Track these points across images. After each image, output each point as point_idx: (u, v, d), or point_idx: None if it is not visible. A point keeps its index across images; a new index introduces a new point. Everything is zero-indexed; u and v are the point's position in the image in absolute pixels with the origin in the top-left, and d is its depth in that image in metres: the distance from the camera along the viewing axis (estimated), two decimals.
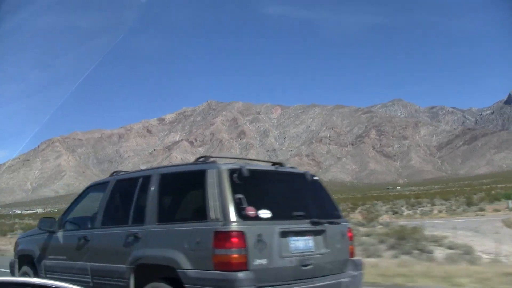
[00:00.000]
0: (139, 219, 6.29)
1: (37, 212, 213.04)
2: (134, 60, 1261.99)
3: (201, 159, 6.24)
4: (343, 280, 6.07)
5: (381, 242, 16.31)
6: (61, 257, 7.48)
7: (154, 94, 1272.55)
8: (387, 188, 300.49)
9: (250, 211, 5.29)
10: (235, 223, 5.17)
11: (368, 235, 19.52)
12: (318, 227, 5.98)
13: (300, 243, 5.76)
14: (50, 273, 7.61)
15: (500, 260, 14.12)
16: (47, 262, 7.76)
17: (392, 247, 15.48)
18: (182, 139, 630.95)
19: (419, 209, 53.19)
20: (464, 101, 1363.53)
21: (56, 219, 7.97)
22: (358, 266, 6.45)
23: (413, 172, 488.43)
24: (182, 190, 6.52)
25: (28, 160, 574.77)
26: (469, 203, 53.35)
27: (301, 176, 6.62)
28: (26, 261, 8.42)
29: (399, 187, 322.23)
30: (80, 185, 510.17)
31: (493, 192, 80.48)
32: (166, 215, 6.16)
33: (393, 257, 14.09)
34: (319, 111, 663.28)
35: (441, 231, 19.34)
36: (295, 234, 5.70)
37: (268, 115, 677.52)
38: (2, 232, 46.13)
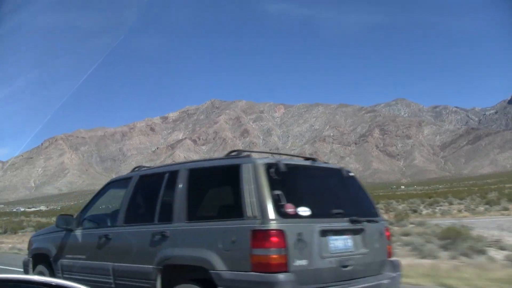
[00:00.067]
0: (167, 217, 5.93)
1: (40, 209, 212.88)
2: (138, 59, 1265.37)
3: (233, 153, 5.88)
4: (383, 281, 5.76)
5: (427, 242, 15.71)
6: (79, 256, 7.10)
7: (157, 92, 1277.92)
8: (391, 188, 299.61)
9: (290, 209, 4.98)
10: (274, 221, 4.83)
11: (406, 234, 18.93)
12: (357, 226, 5.66)
13: (339, 243, 5.46)
14: (68, 273, 7.25)
15: None
16: (64, 261, 7.39)
17: (443, 248, 14.86)
18: (185, 138, 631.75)
19: (437, 208, 52.44)
20: (467, 100, 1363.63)
21: (74, 217, 7.55)
22: (396, 267, 6.12)
23: (416, 172, 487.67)
24: (214, 186, 6.17)
25: (31, 158, 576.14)
26: (489, 202, 52.62)
27: (337, 172, 6.32)
28: (41, 260, 8.06)
29: (403, 187, 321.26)
30: (83, 183, 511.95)
31: (506, 191, 79.59)
32: (196, 213, 5.83)
33: (450, 258, 13.48)
34: (323, 110, 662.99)
35: (483, 231, 18.73)
36: (334, 233, 5.40)
37: (272, 114, 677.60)
38: (12, 229, 45.46)
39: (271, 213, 4.85)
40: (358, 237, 5.69)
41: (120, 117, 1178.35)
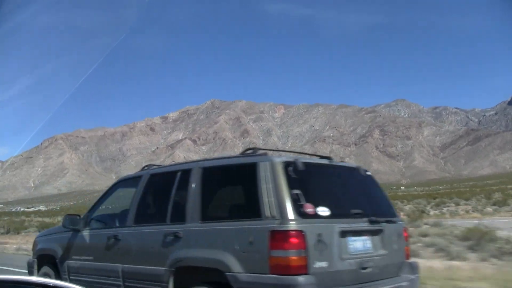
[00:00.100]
0: (179, 217, 5.74)
1: (40, 209, 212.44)
2: (137, 59, 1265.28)
3: (249, 151, 5.69)
4: (402, 284, 5.60)
5: (450, 243, 15.22)
6: (87, 257, 6.93)
7: (157, 92, 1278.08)
8: (391, 188, 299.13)
9: (309, 208, 4.80)
10: (294, 222, 4.66)
11: (423, 235, 18.44)
12: (376, 227, 5.51)
13: (359, 244, 5.29)
14: (75, 274, 7.10)
15: None
16: (71, 262, 7.19)
17: (470, 249, 14.34)
18: (185, 138, 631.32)
19: (445, 208, 52.00)
20: (467, 101, 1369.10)
21: (81, 217, 7.34)
22: (414, 269, 5.93)
23: (416, 173, 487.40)
24: (229, 185, 6.00)
25: (31, 157, 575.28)
26: (496, 203, 52.20)
27: (354, 171, 6.14)
28: (46, 261, 7.87)
29: (403, 187, 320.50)
30: (83, 183, 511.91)
31: (510, 192, 79.18)
32: (210, 213, 5.67)
33: (480, 260, 12.96)
34: (323, 111, 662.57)
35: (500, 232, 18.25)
36: (353, 234, 5.23)
37: (272, 114, 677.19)
38: (15, 229, 44.84)
39: (290, 213, 4.69)
40: (376, 238, 5.55)
41: (120, 117, 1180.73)
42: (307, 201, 4.81)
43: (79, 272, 7.00)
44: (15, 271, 13.10)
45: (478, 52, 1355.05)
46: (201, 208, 5.53)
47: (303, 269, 4.57)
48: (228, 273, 4.87)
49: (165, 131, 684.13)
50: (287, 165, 5.05)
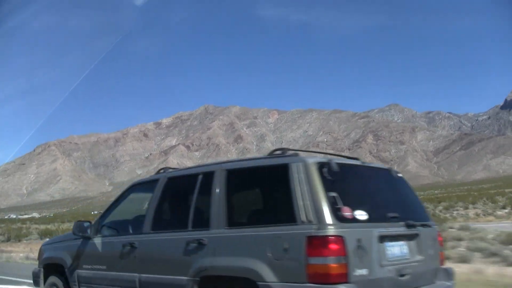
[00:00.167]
0: (203, 222, 5.42)
1: (34, 216, 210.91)
2: (131, 64, 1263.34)
3: (277, 152, 5.34)
4: None
5: (492, 246, 14.54)
6: (99, 266, 6.60)
7: (150, 98, 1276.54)
8: None
9: (347, 212, 4.53)
10: (332, 226, 4.37)
11: (458, 239, 17.77)
12: (413, 231, 5.24)
13: (396, 249, 5.01)
14: (86, 284, 6.78)
15: None
16: (81, 272, 6.85)
17: None
18: (178, 143, 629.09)
19: (454, 212, 51.42)
20: (460, 106, 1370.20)
21: (92, 223, 6.98)
22: (450, 275, 5.65)
23: (409, 177, 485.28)
24: (257, 188, 5.67)
25: (23, 164, 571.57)
26: (505, 206, 51.75)
27: (386, 172, 5.82)
28: (53, 270, 7.53)
29: None
30: (76, 190, 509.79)
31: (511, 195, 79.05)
32: (237, 218, 5.38)
33: None
34: (316, 116, 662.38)
35: None
36: (391, 239, 4.94)
37: (265, 120, 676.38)
38: (16, 237, 43.80)
39: (328, 217, 4.40)
40: (413, 243, 5.29)
41: (113, 123, 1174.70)
42: (344, 204, 4.54)
43: (91, 282, 6.69)
44: (25, 281, 12.27)
45: (471, 57, 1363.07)
46: (227, 213, 5.19)
47: (344, 278, 4.30)
48: (260, 283, 4.55)
49: (159, 137, 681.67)
50: (321, 166, 4.76)
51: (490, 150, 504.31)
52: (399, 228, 5.06)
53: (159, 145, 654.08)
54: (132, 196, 7.10)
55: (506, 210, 48.21)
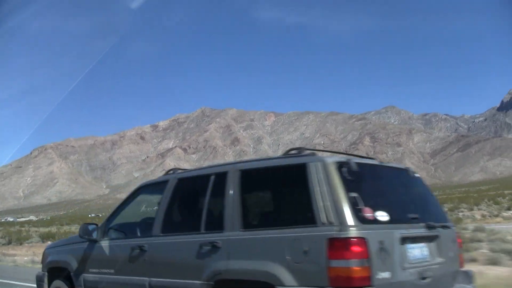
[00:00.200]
0: (216, 224, 5.24)
1: (31, 219, 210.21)
2: (128, 67, 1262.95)
3: (293, 151, 5.19)
4: None
5: None
6: (107, 270, 6.40)
7: (147, 100, 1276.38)
8: None
9: (368, 213, 4.41)
10: (355, 228, 4.24)
11: (477, 240, 17.41)
12: (433, 232, 5.09)
13: (417, 252, 4.87)
14: None
15: None
16: (88, 276, 6.64)
17: None
18: (175, 146, 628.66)
19: (460, 213, 51.05)
20: (456, 108, 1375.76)
21: (99, 226, 6.80)
22: (470, 278, 5.46)
23: None
24: (274, 189, 5.44)
25: (20, 167, 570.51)
26: (511, 207, 51.58)
27: (404, 172, 5.66)
28: (58, 274, 7.30)
29: None
30: (73, 192, 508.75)
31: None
32: (253, 220, 5.26)
33: None
34: (313, 118, 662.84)
35: None
36: (411, 241, 4.80)
37: (262, 122, 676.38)
38: (17, 240, 43.25)
39: (349, 218, 4.27)
40: (433, 244, 5.13)
41: (110, 125, 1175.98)
42: (364, 205, 4.42)
43: (97, 286, 6.54)
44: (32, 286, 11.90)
45: (467, 59, 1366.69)
46: (242, 215, 5.04)
47: (367, 281, 4.17)
48: (279, 287, 4.42)
49: (156, 140, 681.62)
50: (340, 165, 4.62)
51: (487, 152, 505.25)
52: (419, 230, 4.92)
53: (156, 147, 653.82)
54: (140, 198, 6.96)
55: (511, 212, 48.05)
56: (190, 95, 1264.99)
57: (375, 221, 4.42)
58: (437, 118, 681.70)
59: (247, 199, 5.25)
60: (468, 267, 5.95)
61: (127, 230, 6.87)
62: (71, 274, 6.93)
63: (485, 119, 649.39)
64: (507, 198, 75.77)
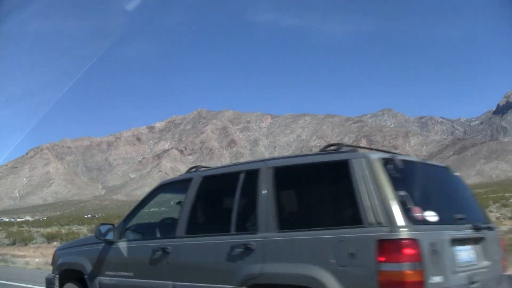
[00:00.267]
0: (248, 225, 5.00)
1: (28, 219, 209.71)
2: (124, 68, 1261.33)
3: (331, 147, 4.87)
4: None
5: None
6: (125, 273, 6.00)
7: (144, 102, 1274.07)
8: None
9: (418, 213, 4.12)
10: (406, 229, 3.93)
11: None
12: (479, 234, 4.77)
13: (464, 254, 4.55)
14: None
15: None
16: (104, 279, 6.27)
17: None
18: (172, 148, 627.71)
19: None
20: (453, 111, 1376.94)
21: (115, 226, 6.44)
22: None
23: None
24: (312, 187, 5.00)
25: (16, 167, 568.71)
26: None
27: (444, 170, 5.35)
28: (70, 277, 6.98)
29: None
30: (69, 193, 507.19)
31: None
32: (290, 220, 4.85)
33: None
34: (310, 120, 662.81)
35: None
36: (459, 243, 4.49)
37: (259, 124, 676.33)
38: (22, 240, 42.96)
39: (399, 218, 3.97)
40: (478, 247, 4.81)
41: (106, 126, 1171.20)
42: (413, 204, 4.14)
43: None
44: None
45: (463, 62, 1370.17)
46: (278, 215, 4.69)
47: (420, 286, 3.86)
48: None
49: (152, 141, 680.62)
50: (386, 162, 4.33)
51: (483, 155, 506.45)
52: (466, 231, 4.63)
53: (152, 149, 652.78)
54: (159, 197, 6.57)
55: None
56: (186, 96, 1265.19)
57: (425, 221, 4.15)
58: (433, 121, 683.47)
59: (282, 198, 4.93)
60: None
61: (145, 231, 6.62)
62: (85, 277, 6.58)
63: (481, 123, 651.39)
64: (510, 200, 75.82)
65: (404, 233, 3.89)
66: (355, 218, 4.12)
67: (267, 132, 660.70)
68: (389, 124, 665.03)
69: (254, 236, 4.74)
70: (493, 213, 53.08)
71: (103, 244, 6.44)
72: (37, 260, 24.56)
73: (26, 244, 40.28)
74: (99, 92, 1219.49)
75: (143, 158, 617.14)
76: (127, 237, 6.32)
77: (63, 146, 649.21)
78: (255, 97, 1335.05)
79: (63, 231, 56.27)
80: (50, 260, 7.48)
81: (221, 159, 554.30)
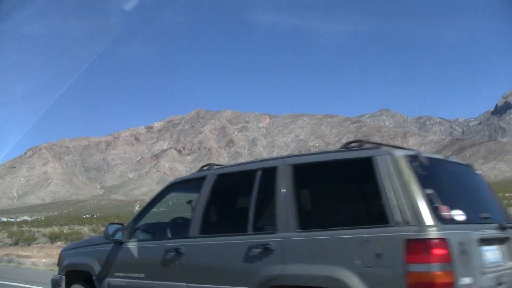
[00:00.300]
0: (266, 225, 4.82)
1: (26, 219, 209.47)
2: (123, 68, 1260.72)
3: (353, 144, 4.69)
4: None
5: None
6: (136, 274, 5.81)
7: (142, 102, 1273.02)
8: None
9: (445, 212, 3.95)
10: (435, 228, 3.77)
11: None
12: (504, 234, 4.58)
13: (490, 255, 4.38)
14: None
15: None
16: (113, 280, 6.09)
17: None
18: (170, 147, 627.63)
19: None
20: (451, 111, 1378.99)
21: (125, 226, 6.26)
22: None
23: None
24: (334, 185, 4.87)
25: (14, 167, 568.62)
26: None
27: (467, 169, 5.19)
28: (77, 278, 6.81)
29: None
30: (67, 193, 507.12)
31: None
32: (312, 219, 4.65)
33: None
34: (308, 121, 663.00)
35: None
36: (486, 243, 4.32)
37: (257, 124, 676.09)
38: (25, 240, 42.41)
39: (428, 217, 3.80)
40: (504, 247, 4.63)
41: (104, 126, 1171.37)
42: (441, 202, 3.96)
43: None
44: None
45: (462, 63, 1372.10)
46: (298, 214, 4.52)
47: (450, 287, 3.68)
48: None
49: (150, 141, 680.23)
50: (411, 159, 4.18)
51: (482, 155, 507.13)
52: (492, 231, 4.45)
53: (151, 149, 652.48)
54: (172, 196, 6.41)
55: None
56: (185, 96, 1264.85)
57: (453, 220, 3.99)
58: (432, 122, 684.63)
59: (302, 196, 4.74)
60: None
61: (155, 231, 6.47)
62: (93, 278, 6.39)
63: (480, 123, 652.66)
64: None
65: (433, 233, 3.74)
66: (380, 217, 3.99)
67: (265, 132, 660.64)
68: (387, 124, 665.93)
69: (273, 236, 4.58)
70: None
71: (111, 245, 6.27)
72: (44, 260, 24.09)
73: (29, 244, 39.70)
74: (97, 92, 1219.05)
75: (141, 158, 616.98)
76: (137, 237, 6.16)
77: (61, 146, 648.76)
78: (254, 97, 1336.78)
79: (64, 230, 55.98)
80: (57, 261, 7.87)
81: (219, 159, 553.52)
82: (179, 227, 6.01)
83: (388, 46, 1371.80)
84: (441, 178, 4.55)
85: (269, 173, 4.95)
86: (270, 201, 4.83)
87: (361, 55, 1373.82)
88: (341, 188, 4.83)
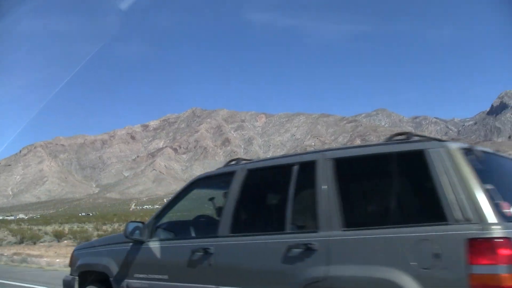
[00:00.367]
0: (307, 223, 4.53)
1: (22, 217, 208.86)
2: (119, 66, 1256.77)
3: (399, 136, 4.34)
4: None
5: None
6: (159, 276, 5.45)
7: (138, 100, 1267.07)
8: None
9: (507, 209, 3.55)
10: (499, 226, 3.35)
11: None
12: None
13: None
14: None
15: None
16: (133, 282, 5.71)
17: None
18: (166, 146, 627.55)
19: None
20: (447, 111, 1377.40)
21: (146, 224, 5.85)
22: None
23: None
24: (382, 180, 4.44)
25: (9, 165, 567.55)
26: None
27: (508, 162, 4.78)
28: (92, 279, 6.48)
29: None
30: (62, 191, 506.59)
31: None
32: (358, 217, 4.35)
33: None
34: (304, 120, 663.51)
35: None
36: None
37: (253, 123, 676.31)
38: (30, 239, 41.76)
39: (490, 214, 3.41)
40: None
41: (100, 124, 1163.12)
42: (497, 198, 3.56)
43: None
44: None
45: (457, 63, 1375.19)
46: (343, 211, 4.18)
47: None
48: None
49: (146, 139, 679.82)
50: (467, 152, 3.82)
51: None
52: None
53: (146, 147, 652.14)
54: (194, 193, 5.95)
55: None
56: (181, 95, 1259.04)
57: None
58: (427, 121, 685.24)
59: (346, 192, 4.37)
60: None
61: (178, 229, 6.16)
62: (111, 279, 6.04)
63: (475, 123, 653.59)
64: None
65: (498, 231, 3.34)
66: (437, 214, 3.60)
67: (261, 131, 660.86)
68: (383, 124, 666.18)
69: (315, 235, 4.25)
70: None
71: (130, 244, 5.92)
72: (57, 260, 23.62)
73: (34, 243, 39.07)
74: (93, 90, 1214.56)
75: (137, 157, 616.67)
76: (158, 236, 5.79)
77: (57, 144, 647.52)
78: (250, 96, 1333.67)
79: (66, 229, 55.51)
80: (69, 261, 7.53)
81: (215, 157, 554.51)
82: (204, 225, 5.77)
83: (383, 45, 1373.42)
84: (498, 173, 4.27)
85: (307, 168, 4.62)
86: (310, 197, 4.48)
87: (357, 55, 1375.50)
88: (390, 183, 4.36)
